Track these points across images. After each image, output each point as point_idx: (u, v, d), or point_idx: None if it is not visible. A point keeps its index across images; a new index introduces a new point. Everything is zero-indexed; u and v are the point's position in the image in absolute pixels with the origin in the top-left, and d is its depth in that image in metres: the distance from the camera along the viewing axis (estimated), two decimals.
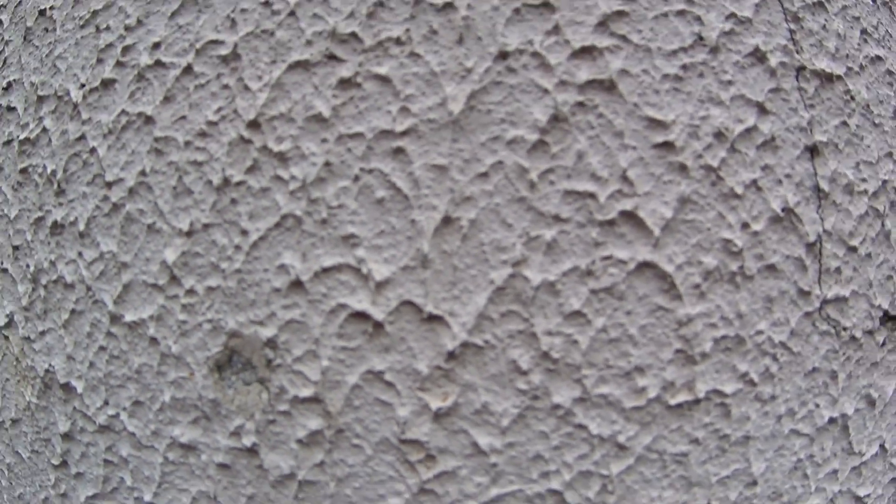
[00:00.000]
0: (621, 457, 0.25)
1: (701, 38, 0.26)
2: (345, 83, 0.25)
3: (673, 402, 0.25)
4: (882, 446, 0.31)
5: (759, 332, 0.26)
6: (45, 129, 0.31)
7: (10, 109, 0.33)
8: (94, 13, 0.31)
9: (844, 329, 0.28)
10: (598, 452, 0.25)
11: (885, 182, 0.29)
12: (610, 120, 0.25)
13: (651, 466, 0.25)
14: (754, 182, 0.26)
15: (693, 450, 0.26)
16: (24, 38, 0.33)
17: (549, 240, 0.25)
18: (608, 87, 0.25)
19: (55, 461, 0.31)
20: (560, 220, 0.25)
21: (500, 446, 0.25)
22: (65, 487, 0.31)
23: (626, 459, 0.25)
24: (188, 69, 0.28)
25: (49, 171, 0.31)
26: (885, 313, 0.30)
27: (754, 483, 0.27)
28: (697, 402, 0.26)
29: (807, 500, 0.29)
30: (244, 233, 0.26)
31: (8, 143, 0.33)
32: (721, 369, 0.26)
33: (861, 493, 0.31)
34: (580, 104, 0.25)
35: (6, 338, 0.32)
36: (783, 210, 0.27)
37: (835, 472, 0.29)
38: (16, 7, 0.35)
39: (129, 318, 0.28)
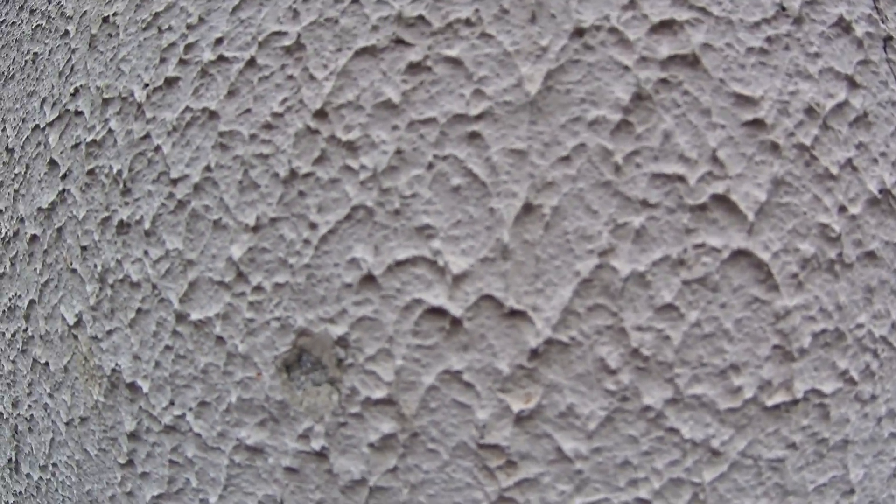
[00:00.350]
0: (715, 463, 0.20)
1: (783, 9, 0.21)
2: (414, 67, 0.21)
3: (770, 402, 0.20)
4: None
5: (860, 326, 0.21)
6: (110, 131, 0.28)
7: (78, 114, 0.29)
8: (156, 15, 0.27)
9: None
10: (690, 458, 0.20)
11: None
12: (696, 97, 0.20)
13: (745, 473, 0.20)
14: (849, 161, 0.21)
15: (790, 455, 0.21)
16: (90, 45, 0.30)
17: (637, 227, 0.20)
18: (692, 62, 0.20)
19: (122, 460, 0.27)
20: (648, 205, 0.20)
21: (585, 452, 0.20)
22: (131, 486, 0.26)
23: (720, 466, 0.20)
24: (251, 62, 0.24)
25: (115, 171, 0.27)
26: None
27: (851, 492, 0.22)
28: (795, 402, 0.20)
29: None
30: (313, 226, 0.22)
31: (76, 146, 0.29)
32: (820, 367, 0.21)
33: None
34: (663, 81, 0.20)
35: (75, 337, 0.28)
36: (880, 191, 0.21)
37: None
38: (81, 17, 0.31)
39: (195, 316, 0.23)
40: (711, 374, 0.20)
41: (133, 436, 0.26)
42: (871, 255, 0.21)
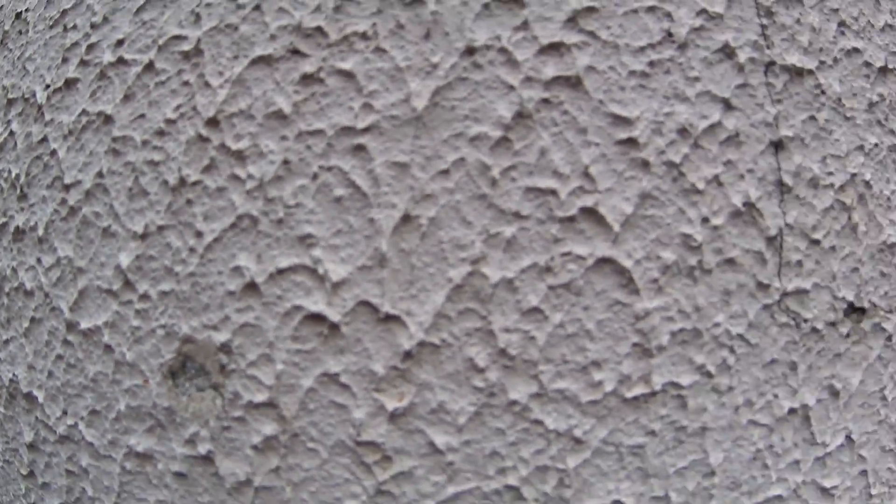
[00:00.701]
0: (577, 450, 0.23)
1: (670, 35, 0.24)
2: (307, 78, 0.23)
3: (629, 395, 0.23)
4: (849, 437, 0.29)
5: (717, 325, 0.24)
6: (11, 133, 0.29)
7: None
8: (64, 12, 0.28)
9: (805, 321, 0.26)
10: (554, 447, 0.23)
11: (853, 175, 0.27)
12: (574, 116, 0.23)
13: (607, 459, 0.23)
14: (716, 177, 0.24)
15: (650, 441, 0.24)
16: (1, 42, 0.30)
17: (508, 237, 0.22)
18: (574, 83, 0.23)
19: (23, 471, 0.28)
20: (520, 216, 0.22)
21: (456, 445, 0.22)
22: (34, 497, 0.28)
23: (583, 453, 0.23)
24: (149, 66, 0.25)
25: (13, 175, 0.28)
26: (850, 305, 0.28)
27: (712, 473, 0.25)
28: (654, 394, 0.24)
29: (768, 489, 0.27)
30: (199, 234, 0.23)
31: None
32: (678, 362, 0.24)
33: (827, 484, 0.29)
34: (545, 101, 0.23)
35: None
36: (744, 205, 0.25)
37: (797, 462, 0.27)
38: None
39: (84, 325, 0.25)
40: (574, 370, 0.23)
41: (32, 446, 0.27)
42: (730, 261, 0.25)
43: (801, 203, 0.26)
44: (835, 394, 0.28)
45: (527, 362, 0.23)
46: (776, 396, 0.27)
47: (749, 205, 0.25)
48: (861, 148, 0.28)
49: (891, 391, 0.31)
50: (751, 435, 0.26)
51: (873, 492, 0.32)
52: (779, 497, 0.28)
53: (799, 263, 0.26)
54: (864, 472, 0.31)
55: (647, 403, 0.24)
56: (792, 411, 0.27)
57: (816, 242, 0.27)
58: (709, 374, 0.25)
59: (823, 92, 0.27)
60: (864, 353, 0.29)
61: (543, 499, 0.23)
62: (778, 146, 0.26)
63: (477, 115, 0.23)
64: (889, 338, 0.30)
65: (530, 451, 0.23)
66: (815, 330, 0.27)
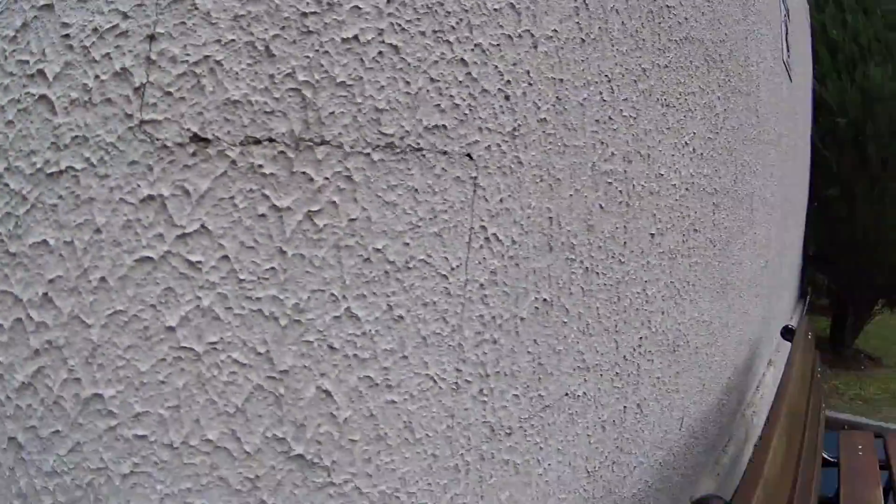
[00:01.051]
0: (24, 204, 0.46)
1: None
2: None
3: (49, 171, 0.46)
4: (205, 227, 0.46)
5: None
6: None
7: None
8: None
9: (157, 139, 0.46)
10: (13, 200, 0.47)
11: (206, 56, 0.46)
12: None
13: (39, 212, 0.46)
14: (108, 55, 0.46)
15: (59, 203, 0.46)
16: None
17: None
18: None
19: None
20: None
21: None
22: None
23: (27, 205, 0.47)
24: None
25: None
26: (196, 135, 0.45)
27: (99, 231, 0.46)
28: (61, 172, 0.46)
29: (141, 251, 0.46)
30: None
31: None
32: (76, 155, 0.46)
33: (192, 258, 0.46)
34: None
35: None
36: (121, 69, 0.46)
37: (161, 235, 0.46)
38: None
39: None
40: (22, 156, 0.47)
41: None
42: (109, 101, 0.46)
43: (161, 70, 0.46)
44: (186, 193, 0.46)
45: (4, 150, 0.48)
46: (138, 186, 0.46)
47: (125, 69, 0.46)
48: (219, 42, 0.46)
49: (241, 201, 0.47)
50: (121, 207, 0.46)
51: (241, 276, 0.47)
52: (150, 258, 0.46)
53: (155, 104, 0.46)
54: (225, 258, 0.47)
55: (58, 179, 0.46)
56: (150, 197, 0.46)
57: (169, 94, 0.46)
58: (92, 164, 0.46)
59: (197, 8, 0.46)
60: (210, 169, 0.46)
61: (9, 233, 0.47)
62: (152, 38, 0.46)
63: None
64: (234, 162, 0.46)
65: (2, 203, 0.47)
66: (165, 146, 0.46)
